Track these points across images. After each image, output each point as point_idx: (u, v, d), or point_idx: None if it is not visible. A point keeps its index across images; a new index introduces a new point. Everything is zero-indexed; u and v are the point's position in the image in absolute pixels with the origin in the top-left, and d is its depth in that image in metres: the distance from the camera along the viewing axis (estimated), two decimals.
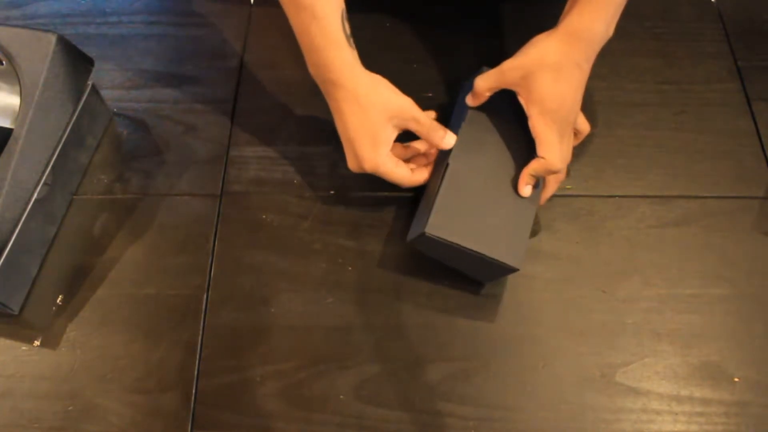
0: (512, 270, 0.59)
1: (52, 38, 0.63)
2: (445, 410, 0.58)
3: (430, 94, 0.71)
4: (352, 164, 0.63)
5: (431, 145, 0.64)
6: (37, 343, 0.62)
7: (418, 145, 0.66)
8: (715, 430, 0.57)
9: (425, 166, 0.65)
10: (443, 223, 0.58)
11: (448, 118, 0.69)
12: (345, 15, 0.59)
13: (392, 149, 0.63)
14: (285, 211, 0.68)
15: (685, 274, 0.64)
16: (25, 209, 0.61)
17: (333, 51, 0.59)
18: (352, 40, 0.60)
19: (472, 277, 0.63)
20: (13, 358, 0.61)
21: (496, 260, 0.58)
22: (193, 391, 0.59)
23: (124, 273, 0.65)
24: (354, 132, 0.61)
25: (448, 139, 0.62)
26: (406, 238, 0.62)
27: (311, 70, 0.61)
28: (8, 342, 0.62)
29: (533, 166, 0.60)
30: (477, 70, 0.65)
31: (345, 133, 0.62)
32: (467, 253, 0.58)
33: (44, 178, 0.63)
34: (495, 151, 0.62)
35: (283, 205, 0.68)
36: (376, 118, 0.60)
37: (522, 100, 0.60)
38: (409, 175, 0.63)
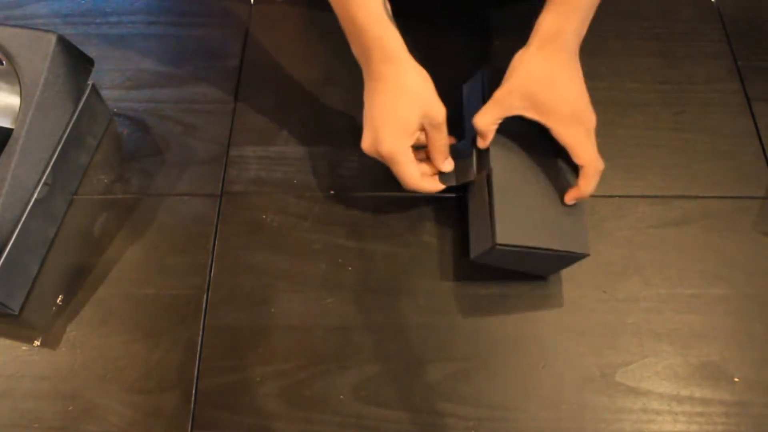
0: (583, 256, 0.59)
1: (52, 38, 0.63)
2: (445, 410, 0.58)
3: None
4: (366, 144, 0.61)
5: (432, 161, 0.63)
6: (37, 343, 0.62)
7: (423, 155, 0.65)
8: (715, 430, 0.57)
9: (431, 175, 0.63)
10: (509, 230, 0.58)
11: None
12: None
13: None
14: (285, 211, 0.68)
15: (685, 274, 0.64)
16: (25, 209, 0.61)
17: (380, 29, 0.58)
18: (394, 21, 0.59)
19: (538, 274, 0.63)
20: (13, 358, 0.61)
21: (568, 252, 0.58)
22: (193, 391, 0.59)
23: (124, 273, 0.65)
24: (385, 113, 0.60)
25: (447, 165, 0.63)
26: (470, 256, 0.61)
27: (356, 51, 0.60)
28: (8, 342, 0.62)
29: (585, 187, 0.58)
30: (477, 72, 0.65)
31: (373, 112, 0.60)
32: (539, 253, 0.58)
33: (44, 178, 0.63)
34: (528, 149, 0.62)
35: (283, 205, 0.68)
36: (413, 109, 0.59)
37: (533, 117, 0.59)
38: (418, 177, 0.61)
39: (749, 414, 0.58)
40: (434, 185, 0.63)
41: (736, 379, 0.59)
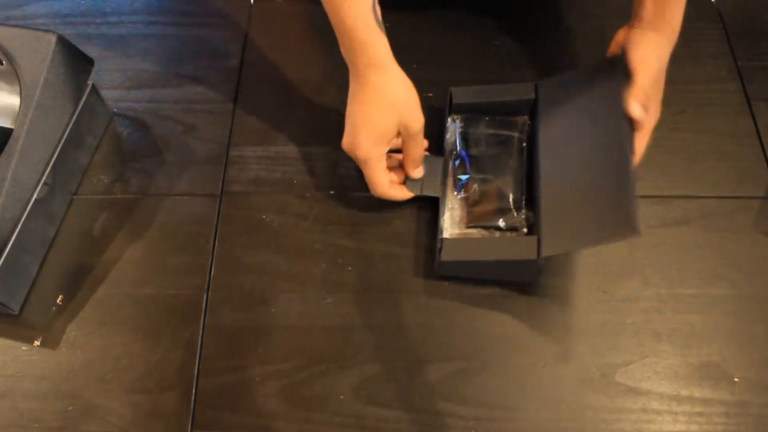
0: (535, 264, 0.59)
1: (52, 38, 0.63)
2: (445, 410, 0.58)
3: (430, 94, 0.71)
4: (346, 144, 0.62)
5: (404, 167, 0.65)
6: (37, 343, 0.62)
7: (395, 161, 0.66)
8: (715, 430, 0.57)
9: (400, 183, 0.66)
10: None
11: (446, 117, 0.70)
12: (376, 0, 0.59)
13: None
14: (285, 211, 0.68)
15: (685, 274, 0.64)
16: (25, 209, 0.61)
17: (367, 34, 0.58)
18: (383, 27, 0.59)
19: (522, 280, 0.63)
20: (13, 358, 0.61)
21: (512, 259, 0.59)
22: (193, 391, 0.59)
23: (124, 273, 0.65)
24: (365, 118, 0.60)
25: (417, 173, 0.65)
26: (434, 270, 0.63)
27: (344, 53, 0.60)
28: (8, 342, 0.62)
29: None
30: (615, 59, 0.65)
31: (354, 116, 0.61)
32: (492, 262, 0.60)
33: (44, 178, 0.63)
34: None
35: (283, 205, 0.68)
36: (392, 118, 0.60)
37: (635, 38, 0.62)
38: (386, 184, 0.63)
39: (749, 414, 0.58)
40: (401, 194, 0.65)
41: (736, 379, 0.59)
